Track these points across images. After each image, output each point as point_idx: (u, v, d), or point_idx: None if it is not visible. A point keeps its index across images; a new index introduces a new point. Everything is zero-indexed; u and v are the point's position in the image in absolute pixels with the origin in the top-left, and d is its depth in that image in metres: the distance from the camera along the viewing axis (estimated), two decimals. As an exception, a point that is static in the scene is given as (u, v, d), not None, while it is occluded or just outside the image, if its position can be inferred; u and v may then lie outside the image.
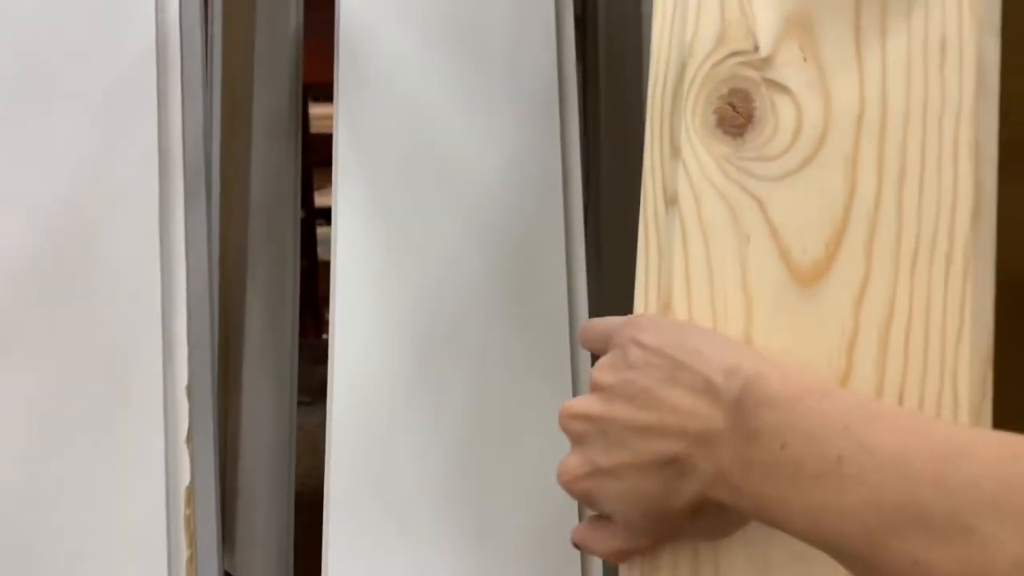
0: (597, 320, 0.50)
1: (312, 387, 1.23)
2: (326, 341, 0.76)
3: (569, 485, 0.44)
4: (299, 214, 1.09)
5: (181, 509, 0.72)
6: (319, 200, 2.48)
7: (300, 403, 1.22)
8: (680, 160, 0.49)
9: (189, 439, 0.72)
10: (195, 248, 0.79)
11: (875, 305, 0.45)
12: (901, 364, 0.44)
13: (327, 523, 0.75)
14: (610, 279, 1.09)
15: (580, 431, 0.44)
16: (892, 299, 0.45)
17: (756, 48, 0.48)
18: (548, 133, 0.78)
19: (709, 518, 0.42)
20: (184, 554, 0.72)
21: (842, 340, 0.45)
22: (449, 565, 0.75)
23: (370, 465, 0.76)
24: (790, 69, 0.48)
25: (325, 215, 2.40)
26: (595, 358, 0.48)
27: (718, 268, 0.48)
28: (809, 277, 0.46)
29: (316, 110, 2.21)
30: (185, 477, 0.72)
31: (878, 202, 0.45)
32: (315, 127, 2.22)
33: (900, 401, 0.44)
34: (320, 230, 2.53)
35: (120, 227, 0.71)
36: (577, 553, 0.76)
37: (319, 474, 0.77)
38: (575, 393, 0.78)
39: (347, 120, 0.77)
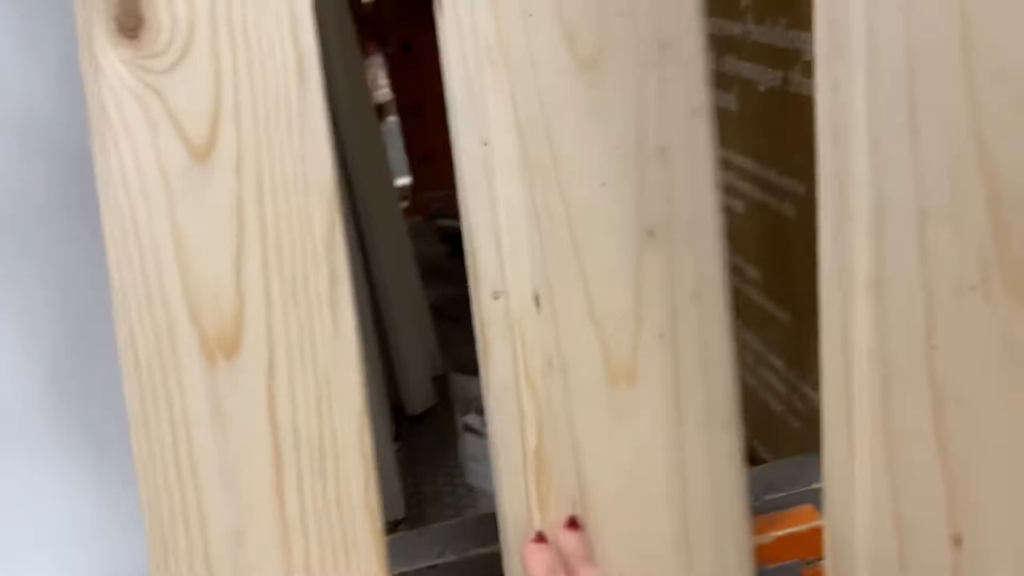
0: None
1: None
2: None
3: None
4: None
5: None
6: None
7: None
8: (101, 71, 0.55)
9: None
10: None
11: (249, 170, 0.53)
12: (290, 209, 0.53)
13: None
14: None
15: None
16: (265, 161, 0.53)
17: (133, -41, 0.54)
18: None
19: None
20: None
21: (230, 202, 0.53)
22: (67, 474, 0.82)
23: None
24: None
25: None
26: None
27: (138, 157, 0.54)
28: (203, 153, 0.53)
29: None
30: None
31: (237, 77, 0.52)
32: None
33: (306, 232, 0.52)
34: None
35: None
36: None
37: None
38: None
39: None
